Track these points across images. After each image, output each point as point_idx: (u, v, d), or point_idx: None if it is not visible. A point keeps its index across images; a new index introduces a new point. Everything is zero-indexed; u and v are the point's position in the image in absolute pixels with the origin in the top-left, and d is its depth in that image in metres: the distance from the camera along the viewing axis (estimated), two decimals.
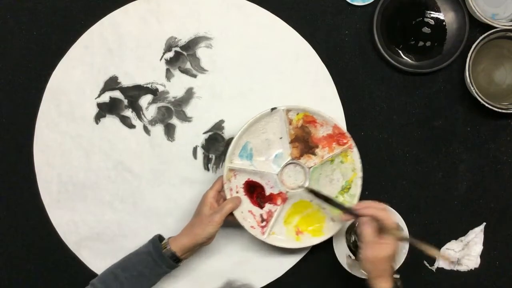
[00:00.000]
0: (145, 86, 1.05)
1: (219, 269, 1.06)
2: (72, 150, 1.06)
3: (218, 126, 1.06)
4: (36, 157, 1.06)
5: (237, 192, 0.99)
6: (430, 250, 0.89)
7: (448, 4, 1.03)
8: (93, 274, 1.06)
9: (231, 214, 0.96)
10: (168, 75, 1.05)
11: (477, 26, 1.03)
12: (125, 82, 1.05)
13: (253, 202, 0.99)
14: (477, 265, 1.06)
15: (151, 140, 1.06)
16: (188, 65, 1.05)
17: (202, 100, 1.05)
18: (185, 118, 1.05)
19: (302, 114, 0.98)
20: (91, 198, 1.06)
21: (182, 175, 1.06)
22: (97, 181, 1.06)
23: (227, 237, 1.05)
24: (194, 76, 1.05)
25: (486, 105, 0.99)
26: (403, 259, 1.04)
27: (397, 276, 0.92)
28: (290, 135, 0.98)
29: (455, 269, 1.06)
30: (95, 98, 1.05)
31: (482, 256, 1.06)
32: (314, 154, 0.99)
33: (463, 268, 1.06)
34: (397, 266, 0.99)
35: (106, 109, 1.05)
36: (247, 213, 0.98)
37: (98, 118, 1.06)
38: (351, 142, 0.98)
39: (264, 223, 0.99)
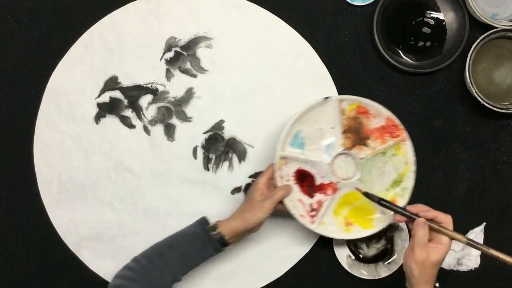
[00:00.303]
0: (145, 86, 1.05)
1: (219, 269, 1.06)
2: (72, 150, 1.06)
3: (218, 126, 1.06)
4: (36, 157, 1.06)
5: (287, 181, 0.98)
6: (491, 252, 0.85)
7: (448, 4, 1.03)
8: (93, 274, 1.06)
9: (280, 202, 0.96)
10: (168, 75, 1.05)
11: (477, 26, 1.03)
12: (125, 82, 1.05)
13: (303, 191, 0.98)
14: (477, 265, 1.06)
15: (151, 140, 1.06)
16: (188, 65, 1.05)
17: (202, 100, 1.05)
18: (185, 118, 1.06)
19: (355, 105, 0.97)
20: (91, 198, 1.06)
21: (182, 175, 1.06)
22: (97, 181, 1.06)
23: None
24: (194, 76, 1.05)
25: (486, 105, 0.99)
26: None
27: (437, 285, 0.89)
28: (343, 125, 0.97)
29: (455, 269, 1.06)
30: (95, 98, 1.05)
31: (482, 256, 1.06)
32: (366, 145, 0.97)
33: (463, 268, 1.06)
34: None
35: (106, 109, 1.05)
36: (296, 202, 0.97)
37: (98, 118, 1.06)
38: (404, 134, 0.97)
39: (313, 213, 0.98)
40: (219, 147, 1.06)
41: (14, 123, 1.06)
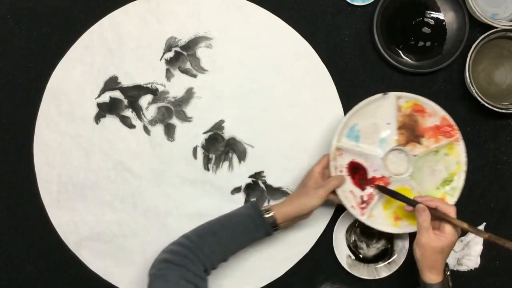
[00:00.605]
0: (145, 86, 1.05)
1: (219, 269, 1.06)
2: (72, 150, 1.06)
3: (218, 126, 1.06)
4: (36, 157, 1.06)
5: (340, 171, 0.99)
6: (498, 239, 0.87)
7: (448, 4, 1.03)
8: (93, 274, 1.06)
9: (333, 192, 0.98)
10: (168, 75, 1.05)
11: (477, 26, 1.03)
12: (125, 82, 1.05)
13: (355, 183, 0.99)
14: (477, 265, 1.06)
15: (151, 140, 1.06)
16: (188, 65, 1.05)
17: (202, 100, 1.05)
18: (185, 118, 1.06)
19: (412, 102, 0.98)
20: (91, 198, 1.06)
21: (182, 175, 1.06)
22: (97, 181, 1.06)
23: None
24: (194, 76, 1.05)
25: (486, 105, 0.99)
26: (403, 259, 1.04)
27: (448, 272, 0.93)
28: (398, 121, 0.99)
29: (455, 269, 1.06)
30: (95, 98, 1.05)
31: (482, 256, 1.06)
32: (419, 143, 0.99)
33: (463, 268, 1.06)
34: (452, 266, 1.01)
35: (106, 109, 1.05)
36: (348, 193, 0.99)
37: (98, 118, 1.06)
38: (458, 135, 0.98)
39: (364, 205, 0.99)
40: (219, 147, 1.06)
41: (14, 123, 1.06)
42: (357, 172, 1.00)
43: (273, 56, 1.05)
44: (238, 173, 1.06)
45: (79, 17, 1.05)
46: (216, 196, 1.06)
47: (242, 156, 1.06)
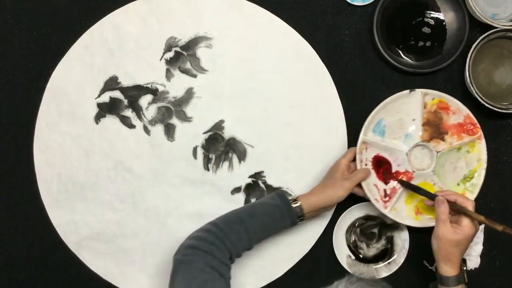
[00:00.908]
0: (145, 86, 1.05)
1: None
2: (72, 150, 1.06)
3: (218, 126, 1.06)
4: (36, 157, 1.06)
5: (365, 165, 1.01)
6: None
7: (448, 4, 1.03)
8: (93, 274, 1.06)
9: (358, 185, 0.99)
10: (168, 75, 1.05)
11: (477, 26, 1.03)
12: (125, 82, 1.05)
13: (379, 177, 1.01)
14: (477, 265, 1.06)
15: (151, 140, 1.06)
16: (188, 65, 1.05)
17: (202, 100, 1.05)
18: (185, 118, 1.06)
19: (437, 100, 1.01)
20: (91, 198, 1.06)
21: (182, 175, 1.06)
22: (97, 181, 1.06)
23: None
24: (194, 76, 1.05)
25: (486, 105, 0.99)
26: (403, 259, 1.04)
27: (465, 268, 0.95)
28: (423, 118, 1.01)
29: None
30: (95, 98, 1.05)
31: (482, 256, 1.06)
32: (443, 140, 1.01)
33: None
34: (472, 265, 1.02)
35: (106, 109, 1.05)
36: (372, 186, 1.01)
37: (98, 118, 1.06)
38: (481, 133, 1.00)
39: (387, 198, 1.01)
40: (219, 147, 1.06)
41: (14, 123, 1.06)
42: (381, 166, 1.02)
43: (273, 56, 1.05)
44: (238, 173, 1.06)
45: (79, 17, 1.05)
46: (216, 196, 1.06)
47: (242, 156, 1.06)
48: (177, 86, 1.05)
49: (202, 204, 1.06)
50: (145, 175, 1.06)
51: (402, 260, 1.04)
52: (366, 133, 1.01)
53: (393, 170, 1.02)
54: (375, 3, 1.03)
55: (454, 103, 1.00)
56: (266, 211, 0.96)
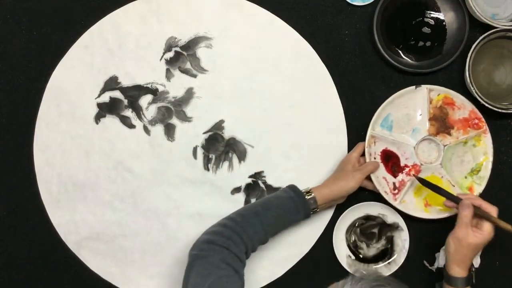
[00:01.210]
0: (145, 86, 1.05)
1: None
2: (72, 150, 1.06)
3: (218, 126, 1.06)
4: (36, 157, 1.06)
5: (374, 158, 1.04)
6: None
7: (448, 4, 1.03)
8: (93, 274, 1.06)
9: (367, 178, 1.02)
10: (168, 75, 1.05)
11: (477, 26, 1.03)
12: (125, 82, 1.05)
13: (387, 170, 1.03)
14: (477, 265, 1.06)
15: (151, 140, 1.06)
16: (188, 65, 1.05)
17: (202, 100, 1.05)
18: (185, 118, 1.06)
19: (443, 95, 1.03)
20: (91, 198, 1.06)
21: (182, 175, 1.06)
22: (97, 181, 1.06)
23: None
24: (194, 76, 1.05)
25: (486, 105, 0.99)
26: (403, 259, 1.04)
27: (474, 269, 0.97)
28: (429, 113, 1.03)
29: None
30: (95, 98, 1.05)
31: (482, 256, 1.06)
32: (449, 134, 1.03)
33: None
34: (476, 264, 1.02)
35: (106, 109, 1.05)
36: (381, 179, 1.03)
37: (98, 118, 1.06)
38: (486, 127, 1.02)
39: (396, 191, 1.03)
40: (219, 147, 1.06)
41: (14, 123, 1.06)
42: (390, 160, 1.04)
43: (273, 56, 1.05)
44: (238, 173, 1.06)
45: (79, 17, 1.05)
46: (216, 196, 1.06)
47: (242, 156, 1.06)
48: (177, 86, 1.05)
49: (202, 204, 1.06)
50: (145, 175, 1.06)
51: (402, 260, 1.04)
52: (374, 128, 1.03)
53: (402, 164, 1.04)
54: (375, 3, 1.03)
55: (459, 98, 1.02)
56: (281, 205, 0.97)
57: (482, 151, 1.04)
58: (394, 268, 1.05)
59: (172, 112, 1.05)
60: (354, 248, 1.06)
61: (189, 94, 1.05)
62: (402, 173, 1.03)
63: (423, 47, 1.05)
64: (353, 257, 1.05)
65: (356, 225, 1.06)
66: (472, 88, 1.00)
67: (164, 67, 1.05)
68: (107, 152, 1.06)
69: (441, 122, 1.03)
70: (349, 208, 1.04)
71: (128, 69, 1.05)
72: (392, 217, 1.04)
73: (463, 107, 1.03)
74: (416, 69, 1.04)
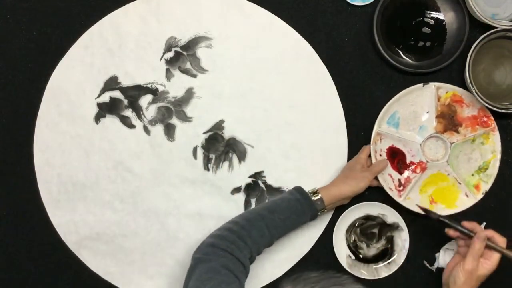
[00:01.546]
0: (145, 86, 1.05)
1: None
2: (72, 150, 1.06)
3: (218, 126, 1.06)
4: (36, 157, 1.06)
5: (380, 155, 1.04)
6: None
7: (448, 4, 1.03)
8: (93, 274, 1.06)
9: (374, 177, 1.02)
10: (168, 75, 1.05)
11: (477, 26, 1.03)
12: (125, 82, 1.05)
13: (393, 167, 1.04)
14: None
15: (151, 140, 1.06)
16: (188, 65, 1.05)
17: (202, 100, 1.05)
18: (185, 118, 1.06)
19: (451, 93, 1.03)
20: (91, 198, 1.06)
21: (182, 175, 1.06)
22: (97, 181, 1.06)
23: None
24: (194, 76, 1.05)
25: (486, 105, 0.99)
26: (403, 259, 1.04)
27: None
28: (437, 110, 1.03)
29: None
30: (95, 98, 1.05)
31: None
32: (457, 131, 1.03)
33: None
34: None
35: (106, 109, 1.05)
36: (387, 176, 1.03)
37: (98, 118, 1.06)
38: (494, 125, 1.02)
39: (401, 188, 1.03)
40: (219, 147, 1.06)
41: (14, 123, 1.06)
42: (396, 157, 1.04)
43: (273, 56, 1.05)
44: (238, 173, 1.06)
45: (79, 17, 1.05)
46: (216, 196, 1.06)
47: (242, 156, 1.06)
48: (177, 86, 1.05)
49: (202, 204, 1.06)
50: (145, 175, 1.06)
51: (402, 260, 1.04)
52: (380, 125, 1.03)
53: (408, 161, 1.04)
54: (375, 3, 1.03)
55: (468, 96, 1.02)
56: (287, 207, 0.97)
57: (490, 149, 1.03)
58: (394, 268, 1.05)
59: (172, 112, 1.05)
60: (354, 248, 1.06)
61: (189, 94, 1.05)
62: (408, 170, 1.03)
63: (423, 47, 1.05)
64: (353, 257, 1.05)
65: (356, 225, 1.06)
66: (472, 88, 1.00)
67: (164, 67, 1.05)
68: (107, 152, 1.06)
69: (448, 120, 1.03)
70: (349, 208, 1.04)
71: (128, 69, 1.05)
72: (392, 217, 1.04)
73: (472, 105, 1.03)
74: (416, 69, 1.04)
